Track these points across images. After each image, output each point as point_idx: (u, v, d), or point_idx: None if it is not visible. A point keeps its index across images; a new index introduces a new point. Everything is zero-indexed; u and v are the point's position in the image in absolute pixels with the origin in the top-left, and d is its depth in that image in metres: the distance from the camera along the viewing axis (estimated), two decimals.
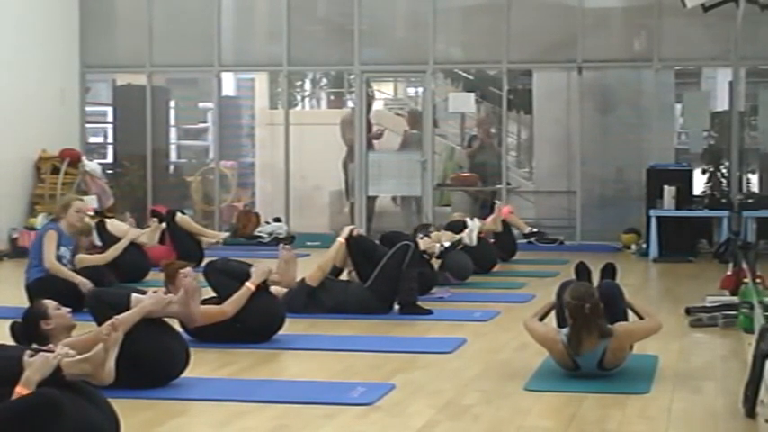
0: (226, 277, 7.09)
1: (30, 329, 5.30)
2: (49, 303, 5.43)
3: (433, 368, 6.33)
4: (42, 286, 8.15)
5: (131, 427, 4.70)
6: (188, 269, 6.50)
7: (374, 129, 15.39)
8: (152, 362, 5.53)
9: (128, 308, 5.54)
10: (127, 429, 4.43)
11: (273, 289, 7.47)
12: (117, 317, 5.19)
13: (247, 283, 6.98)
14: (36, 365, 4.16)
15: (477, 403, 5.46)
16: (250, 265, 7.17)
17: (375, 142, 15.35)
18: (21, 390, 4.10)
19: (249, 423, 5.09)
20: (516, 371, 6.16)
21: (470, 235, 10.74)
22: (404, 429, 4.99)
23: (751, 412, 5.00)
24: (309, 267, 8.66)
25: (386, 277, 8.32)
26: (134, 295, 5.67)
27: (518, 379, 5.94)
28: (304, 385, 5.90)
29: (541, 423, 5.12)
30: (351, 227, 9.03)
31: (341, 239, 8.64)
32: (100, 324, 5.55)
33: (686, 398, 5.58)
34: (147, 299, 5.61)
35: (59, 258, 8.53)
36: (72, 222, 8.69)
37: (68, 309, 5.45)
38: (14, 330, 5.37)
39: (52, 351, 4.32)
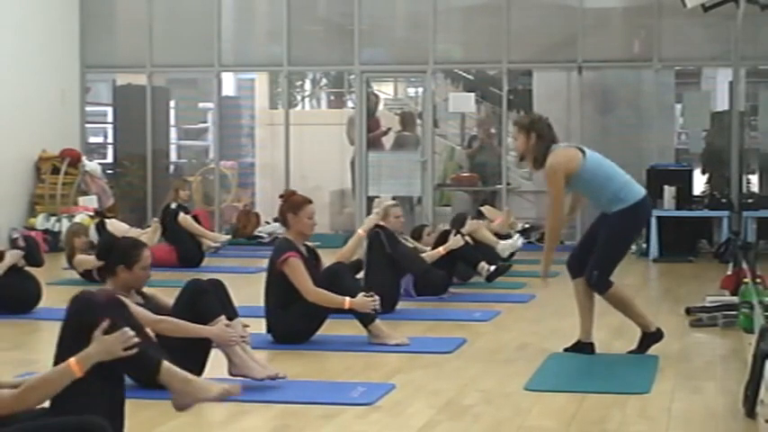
0: None
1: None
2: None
3: (433, 368, 6.33)
4: None
5: (131, 427, 4.68)
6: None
7: (382, 127, 15.38)
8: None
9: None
10: (127, 429, 4.42)
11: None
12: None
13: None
14: (103, 347, 3.85)
15: (477, 403, 5.46)
16: None
17: (383, 139, 15.34)
18: (74, 365, 3.80)
19: (249, 423, 5.09)
20: (516, 371, 6.16)
21: (504, 248, 10.81)
22: (404, 429, 4.98)
23: (751, 412, 4.99)
24: None
25: (376, 269, 8.28)
26: None
27: (518, 379, 5.93)
28: (304, 385, 5.89)
29: (542, 423, 5.12)
30: (389, 202, 8.59)
31: (361, 231, 8.10)
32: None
33: (686, 398, 5.58)
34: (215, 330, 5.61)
35: None
36: None
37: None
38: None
39: (130, 335, 3.94)
